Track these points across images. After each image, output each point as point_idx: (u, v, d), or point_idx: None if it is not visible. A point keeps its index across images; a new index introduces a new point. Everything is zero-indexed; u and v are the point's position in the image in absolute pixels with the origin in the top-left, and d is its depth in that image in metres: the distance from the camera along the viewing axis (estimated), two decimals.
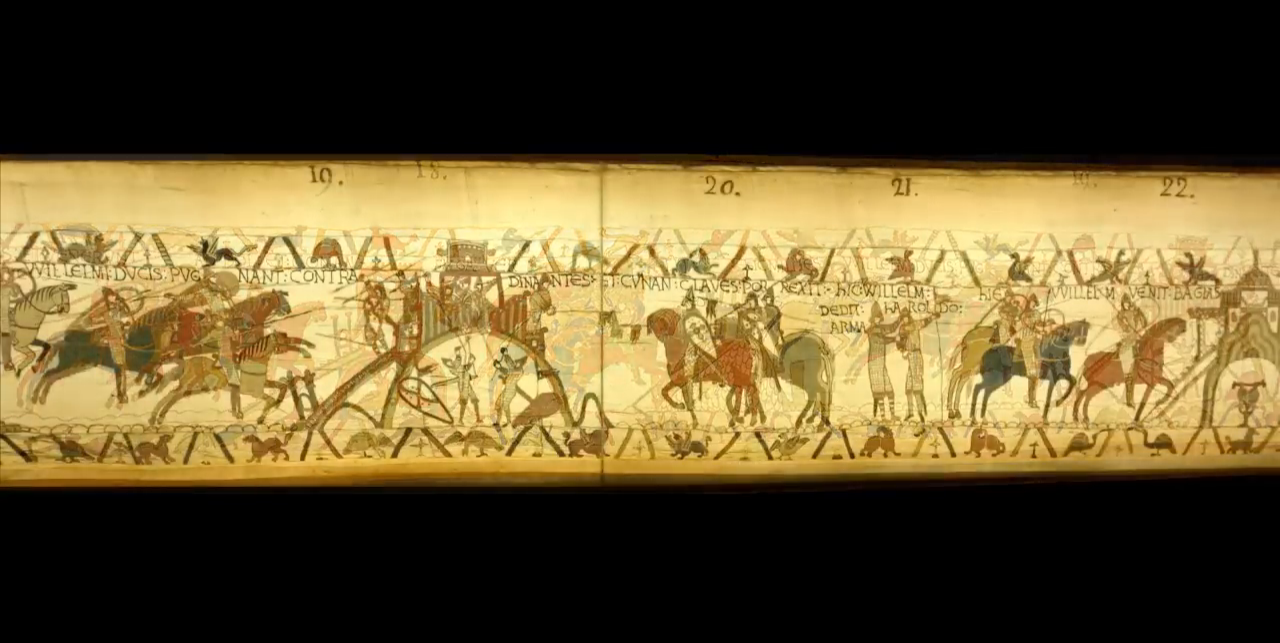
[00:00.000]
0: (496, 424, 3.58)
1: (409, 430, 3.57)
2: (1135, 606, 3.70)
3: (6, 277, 3.39)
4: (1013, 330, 3.68)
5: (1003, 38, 3.56)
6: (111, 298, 3.42)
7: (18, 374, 3.41)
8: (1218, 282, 3.72)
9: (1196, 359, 3.75)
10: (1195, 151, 3.59)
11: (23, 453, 3.45)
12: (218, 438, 3.50)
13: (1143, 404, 3.76)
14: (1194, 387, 3.78)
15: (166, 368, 3.46)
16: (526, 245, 3.52)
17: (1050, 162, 3.59)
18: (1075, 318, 3.69)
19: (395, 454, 3.57)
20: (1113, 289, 3.69)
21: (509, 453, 3.60)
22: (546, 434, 3.60)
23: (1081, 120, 3.60)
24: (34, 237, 3.38)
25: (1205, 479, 3.77)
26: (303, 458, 3.54)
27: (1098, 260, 3.67)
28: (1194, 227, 3.68)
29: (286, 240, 3.45)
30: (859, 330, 3.64)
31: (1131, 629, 3.68)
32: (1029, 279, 3.66)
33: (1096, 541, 3.71)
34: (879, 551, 3.67)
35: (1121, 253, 3.68)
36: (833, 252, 3.59)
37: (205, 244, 3.42)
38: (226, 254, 3.44)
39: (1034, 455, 3.73)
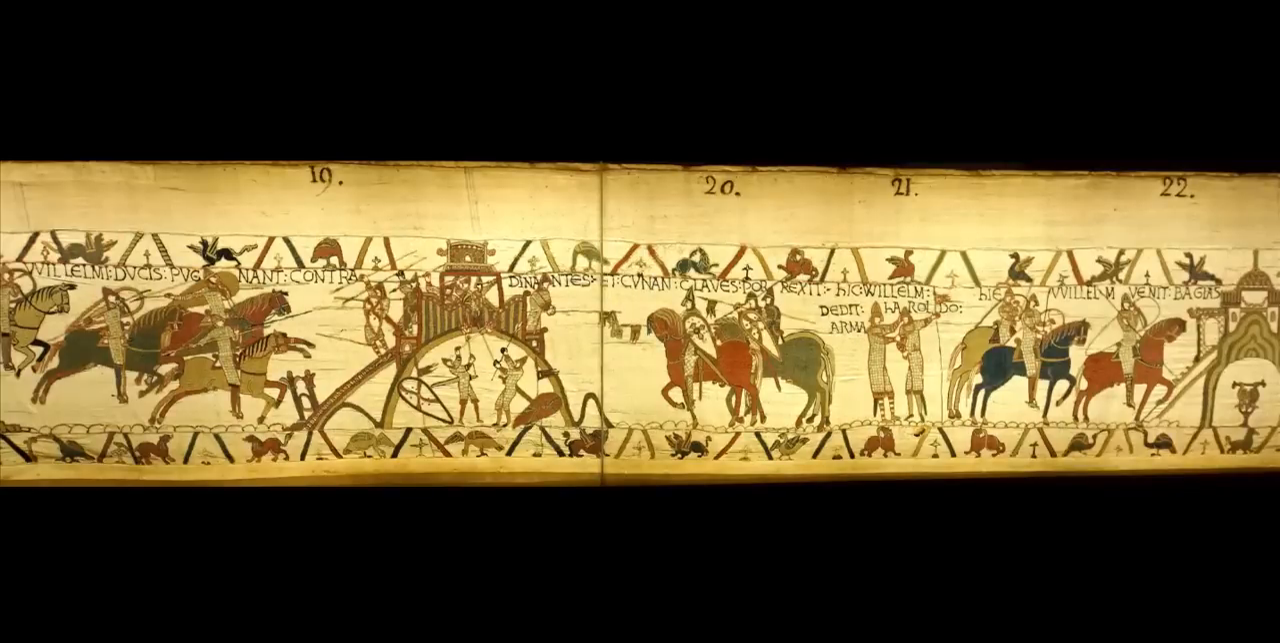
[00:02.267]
0: (496, 424, 3.58)
1: (409, 430, 3.57)
2: (1135, 605, 3.70)
3: (6, 277, 3.39)
4: (1013, 330, 3.68)
5: (1004, 40, 3.56)
6: (111, 298, 3.42)
7: (18, 374, 3.41)
8: (1218, 282, 3.72)
9: (1196, 359, 3.75)
10: (1195, 153, 3.59)
11: (23, 453, 3.45)
12: (218, 438, 3.50)
13: (1142, 404, 3.76)
14: (1194, 387, 3.78)
15: (166, 368, 3.46)
16: (527, 245, 3.52)
17: (1051, 162, 3.59)
18: (1075, 318, 3.69)
19: (395, 454, 3.57)
20: (1112, 289, 3.69)
21: (509, 453, 3.60)
22: (546, 434, 3.60)
23: (1081, 122, 3.60)
24: (34, 237, 3.38)
25: (1205, 479, 3.77)
26: (303, 458, 3.54)
27: (1098, 260, 3.67)
28: (1194, 227, 3.68)
29: (286, 240, 3.45)
30: (860, 330, 3.64)
31: (1131, 628, 3.68)
32: (1029, 279, 3.66)
33: (1096, 540, 3.71)
34: (879, 550, 3.67)
35: (1121, 253, 3.68)
36: (832, 251, 3.59)
37: (205, 244, 3.42)
38: (226, 254, 3.44)
39: (1034, 456, 3.73)
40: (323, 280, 3.47)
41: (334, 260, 3.46)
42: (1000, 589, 3.67)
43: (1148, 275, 3.69)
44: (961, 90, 3.56)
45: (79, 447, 3.45)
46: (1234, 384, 3.77)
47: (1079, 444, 3.75)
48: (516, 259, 3.52)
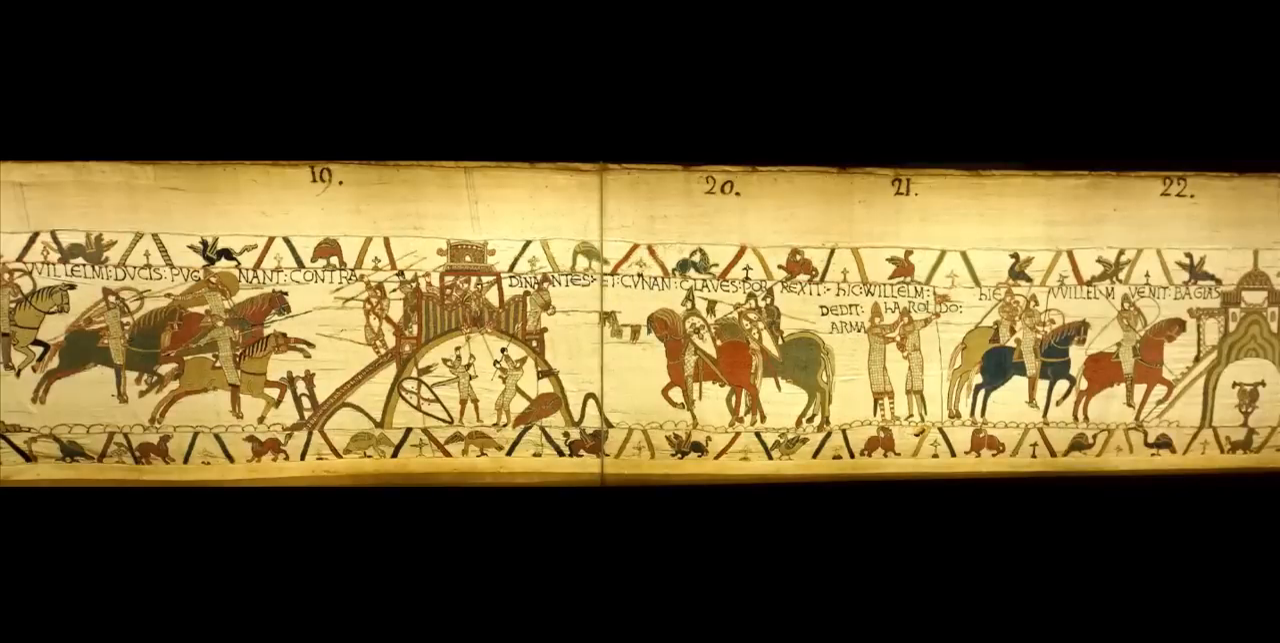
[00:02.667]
0: (496, 424, 3.58)
1: (409, 430, 3.57)
2: (1135, 605, 3.70)
3: (6, 277, 3.39)
4: (1013, 330, 3.68)
5: (1003, 40, 3.56)
6: (111, 298, 3.42)
7: (18, 374, 3.41)
8: (1218, 282, 3.72)
9: (1196, 359, 3.75)
10: (1195, 153, 3.60)
11: (23, 453, 3.44)
12: (218, 438, 3.50)
13: (1142, 404, 3.76)
14: (1194, 387, 3.78)
15: (166, 368, 3.46)
16: (527, 245, 3.52)
17: (1051, 162, 3.59)
18: (1075, 318, 3.69)
19: (395, 454, 3.57)
20: (1112, 289, 3.69)
21: (509, 453, 3.60)
22: (546, 434, 3.60)
23: (1081, 122, 3.60)
24: (34, 237, 3.38)
25: (1205, 479, 3.77)
26: (303, 458, 3.54)
27: (1098, 260, 3.67)
28: (1194, 227, 3.68)
29: (286, 240, 3.45)
30: (860, 330, 3.64)
31: (1131, 629, 3.68)
32: (1029, 279, 3.66)
33: (1097, 540, 3.71)
34: (879, 550, 3.67)
35: (1121, 253, 3.68)
36: (832, 251, 3.59)
37: (205, 244, 3.42)
38: (226, 254, 3.44)
39: (1034, 456, 3.73)
40: (323, 280, 3.47)
41: (334, 260, 3.46)
42: (1000, 589, 3.67)
43: (1148, 275, 3.69)
44: (961, 90, 3.56)
45: (79, 447, 3.45)
46: (1234, 384, 3.77)
47: (1079, 444, 3.75)
48: (516, 259, 3.52)
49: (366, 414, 3.54)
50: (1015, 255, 3.63)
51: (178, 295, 3.44)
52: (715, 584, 3.61)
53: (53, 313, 3.41)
